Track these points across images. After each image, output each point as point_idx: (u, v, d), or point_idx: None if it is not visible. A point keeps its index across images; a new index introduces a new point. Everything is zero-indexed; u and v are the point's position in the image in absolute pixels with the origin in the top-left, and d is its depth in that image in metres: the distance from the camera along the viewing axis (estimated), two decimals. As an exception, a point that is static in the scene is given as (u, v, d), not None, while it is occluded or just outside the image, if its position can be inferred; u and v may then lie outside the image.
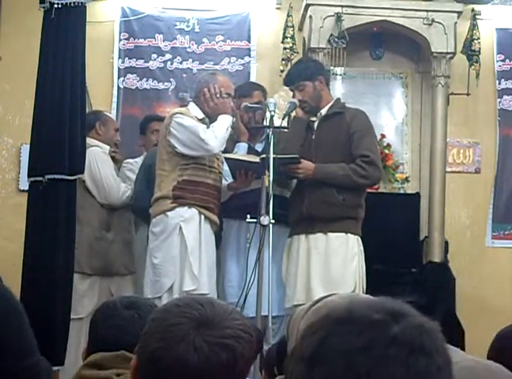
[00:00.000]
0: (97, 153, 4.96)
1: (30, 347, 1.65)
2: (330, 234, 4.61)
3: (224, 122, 4.58)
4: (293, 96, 4.78)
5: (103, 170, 5.00)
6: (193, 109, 4.68)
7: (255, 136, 5.00)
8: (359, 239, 4.67)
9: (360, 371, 0.94)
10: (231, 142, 4.92)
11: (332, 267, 4.56)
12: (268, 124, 4.48)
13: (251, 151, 4.90)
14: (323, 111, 4.78)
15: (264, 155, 4.42)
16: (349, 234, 4.63)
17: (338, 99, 4.94)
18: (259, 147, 4.96)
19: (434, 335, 1.01)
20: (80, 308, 4.72)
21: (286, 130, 4.68)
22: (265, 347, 4.12)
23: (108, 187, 5.00)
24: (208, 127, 4.57)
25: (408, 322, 1.00)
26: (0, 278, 1.75)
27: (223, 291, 4.86)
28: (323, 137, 4.72)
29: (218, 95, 4.64)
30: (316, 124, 4.77)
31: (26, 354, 1.62)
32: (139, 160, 5.38)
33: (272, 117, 4.47)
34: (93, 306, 4.82)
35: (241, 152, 4.90)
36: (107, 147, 5.15)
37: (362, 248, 4.67)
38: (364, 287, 4.62)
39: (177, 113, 4.64)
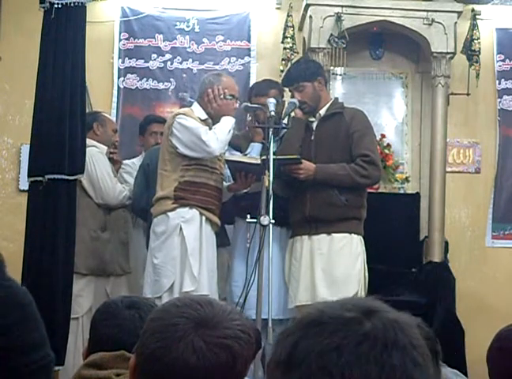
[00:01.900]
0: (94, 153, 4.95)
1: (38, 341, 1.63)
2: (334, 234, 4.60)
3: (227, 124, 4.56)
4: (291, 97, 4.77)
5: (100, 171, 4.99)
6: (197, 109, 4.67)
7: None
8: (362, 239, 4.68)
9: (333, 371, 0.91)
10: (246, 142, 4.92)
11: (337, 267, 4.56)
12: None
13: (265, 150, 4.88)
14: (322, 112, 4.77)
15: (265, 157, 4.42)
16: (353, 235, 4.63)
17: (336, 99, 4.94)
18: (274, 147, 4.92)
19: (409, 329, 0.97)
20: (77, 307, 4.71)
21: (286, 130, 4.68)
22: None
23: (104, 187, 5.00)
24: (210, 128, 4.56)
25: (381, 318, 0.96)
26: (3, 261, 1.70)
27: (230, 291, 4.87)
28: (323, 138, 4.72)
29: (222, 97, 4.63)
30: (315, 124, 4.77)
31: (33, 347, 1.61)
32: (136, 161, 5.38)
33: (272, 117, 4.46)
34: (89, 306, 4.83)
35: (255, 152, 4.87)
36: (105, 147, 5.14)
37: (364, 248, 4.67)
38: (366, 286, 4.63)
39: (180, 113, 4.63)
